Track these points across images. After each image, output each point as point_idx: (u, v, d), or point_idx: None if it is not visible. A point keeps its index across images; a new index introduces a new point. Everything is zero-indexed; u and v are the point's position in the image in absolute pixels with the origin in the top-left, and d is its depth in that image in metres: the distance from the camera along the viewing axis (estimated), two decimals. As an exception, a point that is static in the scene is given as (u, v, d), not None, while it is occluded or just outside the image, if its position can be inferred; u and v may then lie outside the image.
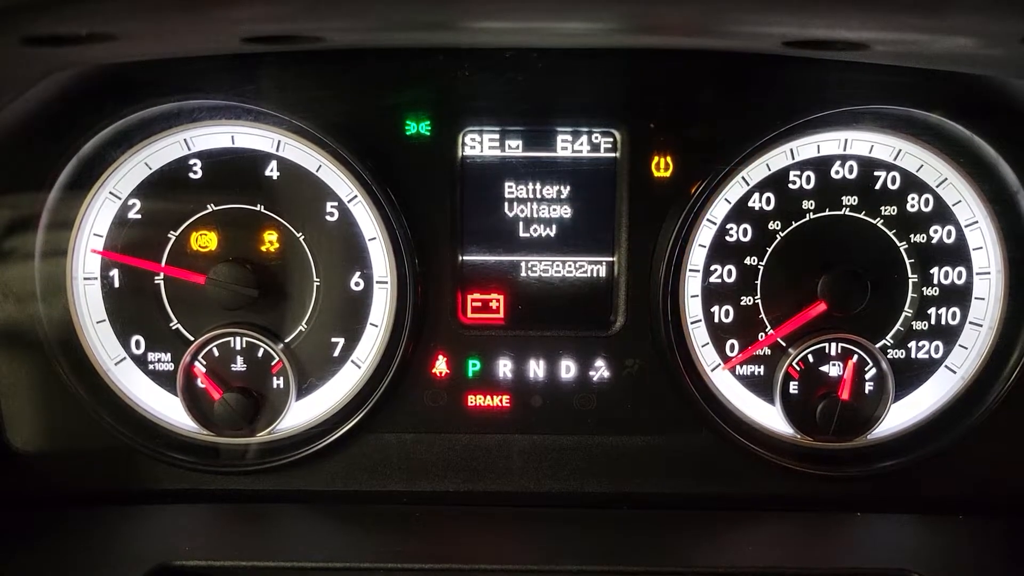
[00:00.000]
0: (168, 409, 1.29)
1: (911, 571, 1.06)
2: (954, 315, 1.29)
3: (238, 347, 1.27)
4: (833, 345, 1.28)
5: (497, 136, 1.27)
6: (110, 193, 1.24)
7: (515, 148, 1.27)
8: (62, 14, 0.64)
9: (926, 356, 1.30)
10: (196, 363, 1.27)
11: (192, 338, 1.27)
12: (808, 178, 1.26)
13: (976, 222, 1.26)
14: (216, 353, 1.27)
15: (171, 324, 1.27)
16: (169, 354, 1.28)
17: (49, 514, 1.18)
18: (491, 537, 1.20)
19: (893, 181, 1.26)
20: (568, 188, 1.27)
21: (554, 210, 1.28)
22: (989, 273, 1.27)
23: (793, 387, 1.29)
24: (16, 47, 0.74)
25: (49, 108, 1.13)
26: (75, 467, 1.27)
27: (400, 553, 1.11)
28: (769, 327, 1.29)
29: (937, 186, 1.26)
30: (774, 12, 0.76)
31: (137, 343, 1.28)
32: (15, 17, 0.63)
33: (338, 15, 0.78)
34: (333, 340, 1.29)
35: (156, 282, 1.26)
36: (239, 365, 1.27)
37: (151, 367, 1.28)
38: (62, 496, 1.22)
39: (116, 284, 1.27)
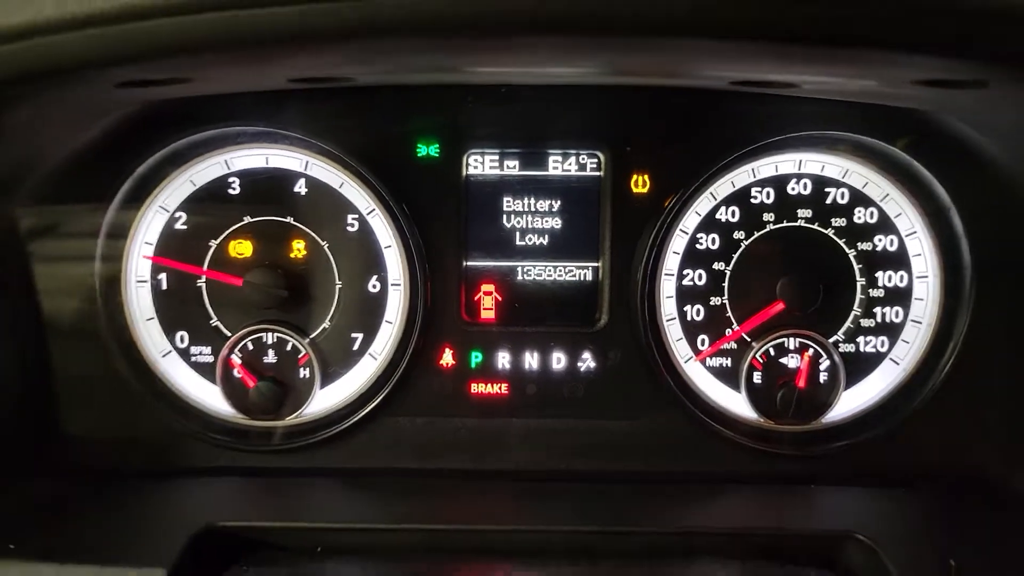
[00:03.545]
0: (208, 396, 1.40)
1: (854, 532, 1.15)
2: (897, 314, 1.39)
3: (270, 341, 1.38)
4: (791, 340, 1.39)
5: (497, 158, 1.37)
6: (160, 207, 1.36)
7: (512, 168, 1.37)
8: (159, 65, 0.81)
9: (873, 350, 1.40)
10: (233, 356, 1.37)
11: (230, 334, 1.38)
12: (768, 194, 1.37)
13: (915, 232, 1.37)
14: (250, 347, 1.38)
15: (211, 321, 1.38)
16: (209, 348, 1.39)
17: (107, 487, 1.28)
18: (491, 504, 1.31)
19: (842, 196, 1.37)
20: (559, 203, 1.38)
21: (546, 222, 1.38)
22: (927, 277, 1.38)
23: (757, 377, 1.40)
24: (111, 89, 0.91)
25: (114, 133, 1.24)
26: (126, 447, 1.38)
27: (410, 515, 1.23)
28: (735, 324, 1.39)
29: (880, 201, 1.37)
30: (716, 63, 0.91)
31: (181, 338, 1.39)
32: (118, 67, 0.80)
33: (372, 62, 0.92)
34: (353, 335, 1.39)
35: (198, 285, 1.37)
36: (271, 357, 1.38)
37: (193, 359, 1.39)
38: (115, 473, 1.32)
39: (164, 286, 1.37)
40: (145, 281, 1.38)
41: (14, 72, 0.77)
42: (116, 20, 0.74)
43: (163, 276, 1.38)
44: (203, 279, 1.38)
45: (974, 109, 1.11)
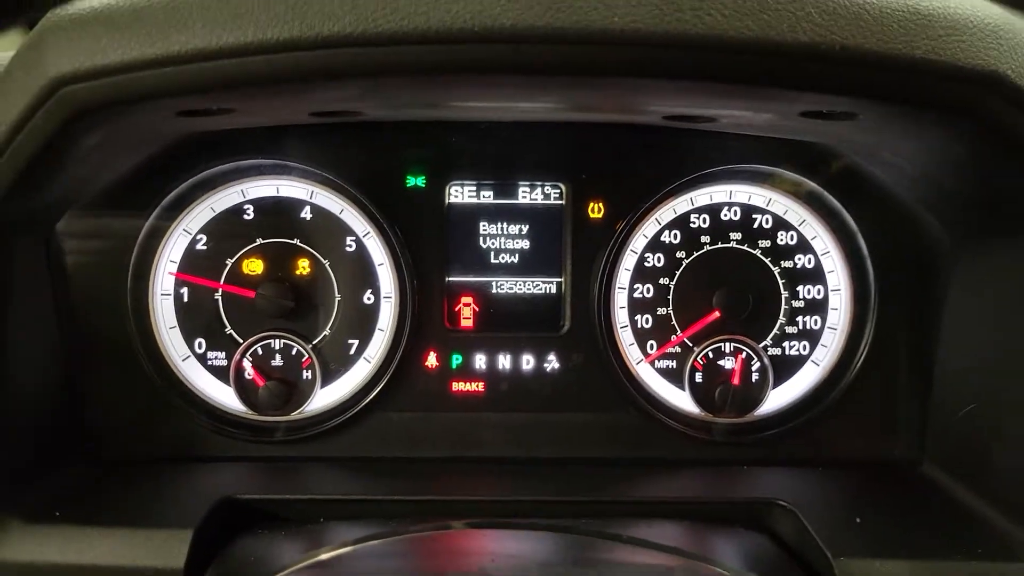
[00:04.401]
0: (222, 395, 1.52)
1: (777, 500, 1.30)
2: (816, 322, 1.55)
3: (277, 347, 1.51)
4: (727, 344, 1.54)
5: (474, 188, 1.53)
6: (184, 230, 1.50)
7: (488, 196, 1.53)
8: (214, 96, 1.03)
9: (796, 353, 1.56)
10: (245, 359, 1.50)
11: (242, 340, 1.51)
12: (704, 219, 1.54)
13: (828, 252, 1.54)
14: (260, 352, 1.51)
15: (226, 330, 1.51)
16: (224, 353, 1.52)
17: (135, 471, 1.42)
18: (468, 481, 1.46)
19: (767, 222, 1.54)
20: (527, 227, 1.54)
21: (517, 243, 1.54)
22: (839, 290, 1.54)
23: (698, 376, 1.54)
24: (170, 117, 1.13)
25: (154, 161, 1.41)
26: (150, 439, 1.51)
27: (399, 490, 1.37)
28: (679, 331, 1.54)
29: (799, 225, 1.54)
30: (640, 97, 1.14)
31: (199, 344, 1.52)
32: (183, 97, 1.02)
33: (379, 97, 1.14)
34: (350, 341, 1.53)
35: (215, 298, 1.51)
36: (278, 361, 1.51)
37: (210, 363, 1.52)
38: (140, 461, 1.46)
39: (185, 299, 1.51)
40: (169, 295, 1.51)
41: (104, 100, 1.00)
42: (186, 60, 0.96)
43: (185, 290, 1.52)
44: (219, 293, 1.51)
45: (861, 142, 1.36)
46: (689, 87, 0.99)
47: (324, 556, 1.02)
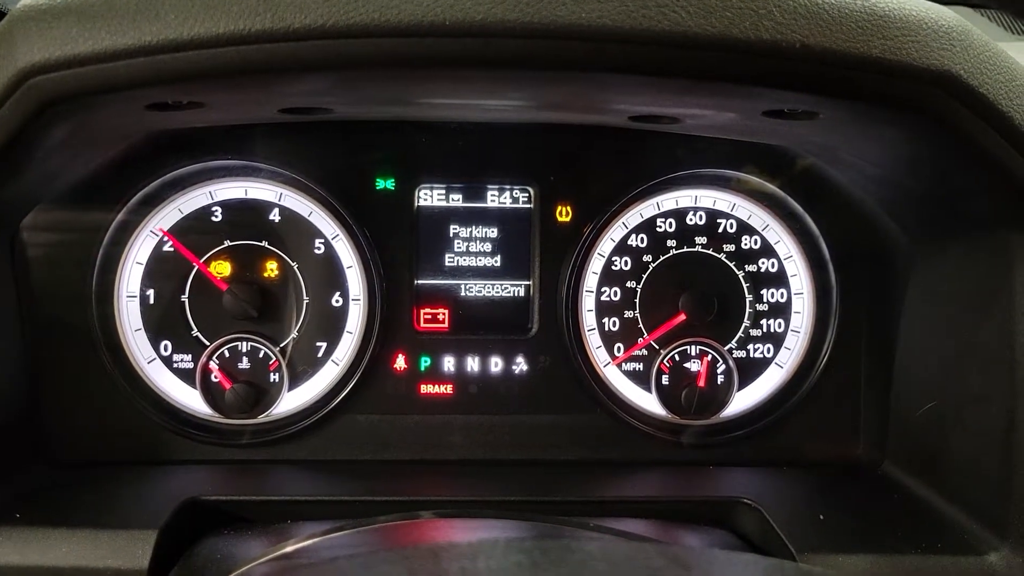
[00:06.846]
0: (188, 398, 1.52)
1: (742, 498, 1.32)
2: (780, 325, 1.59)
3: (244, 349, 1.51)
4: (693, 347, 1.57)
5: (443, 191, 1.54)
6: (150, 231, 1.49)
7: (457, 200, 1.55)
8: (183, 88, 1.04)
9: (760, 356, 1.59)
10: (211, 362, 1.50)
11: (208, 343, 1.50)
12: (671, 223, 1.57)
13: (791, 256, 1.58)
14: (227, 354, 1.51)
15: (192, 332, 1.51)
16: (190, 355, 1.51)
17: (98, 473, 1.40)
18: (436, 482, 1.47)
19: (731, 226, 1.57)
20: (496, 230, 1.56)
21: (486, 246, 1.56)
22: (802, 293, 1.58)
23: (664, 379, 1.57)
24: (140, 111, 1.13)
25: (122, 160, 1.40)
26: (114, 442, 1.49)
27: (365, 491, 1.37)
28: (645, 333, 1.57)
29: (762, 230, 1.57)
30: (607, 94, 1.17)
31: (165, 347, 1.52)
32: (153, 88, 1.02)
33: (348, 91, 1.15)
34: (318, 344, 1.53)
35: (182, 300, 1.50)
36: (244, 363, 1.51)
37: (176, 365, 1.52)
38: (103, 464, 1.45)
39: (151, 301, 1.50)
40: (135, 296, 1.51)
41: (73, 91, 1.00)
42: (157, 51, 0.97)
43: (151, 292, 1.51)
44: (186, 295, 1.51)
45: (821, 143, 1.40)
46: (655, 83, 1.02)
47: (289, 548, 1.01)
